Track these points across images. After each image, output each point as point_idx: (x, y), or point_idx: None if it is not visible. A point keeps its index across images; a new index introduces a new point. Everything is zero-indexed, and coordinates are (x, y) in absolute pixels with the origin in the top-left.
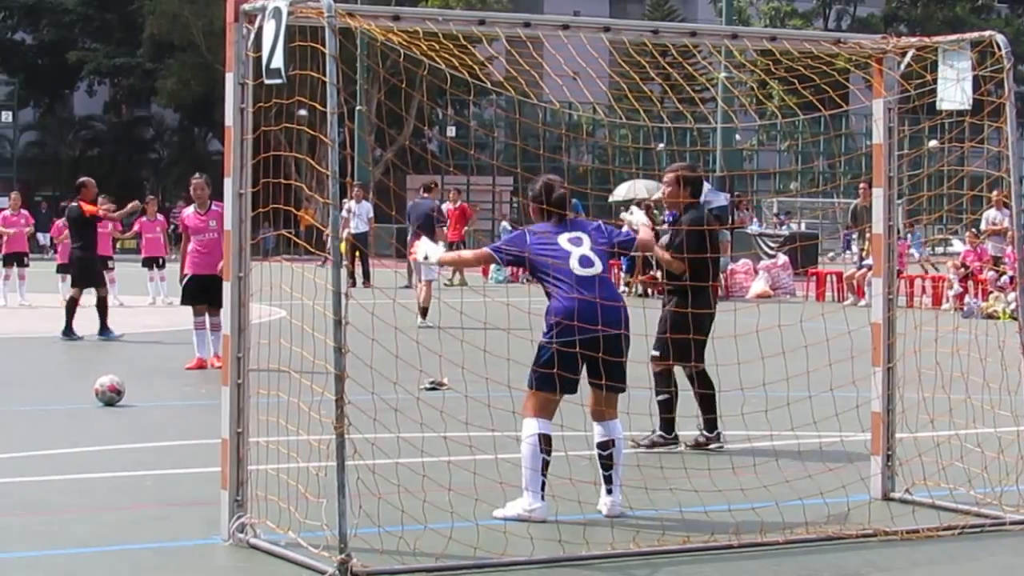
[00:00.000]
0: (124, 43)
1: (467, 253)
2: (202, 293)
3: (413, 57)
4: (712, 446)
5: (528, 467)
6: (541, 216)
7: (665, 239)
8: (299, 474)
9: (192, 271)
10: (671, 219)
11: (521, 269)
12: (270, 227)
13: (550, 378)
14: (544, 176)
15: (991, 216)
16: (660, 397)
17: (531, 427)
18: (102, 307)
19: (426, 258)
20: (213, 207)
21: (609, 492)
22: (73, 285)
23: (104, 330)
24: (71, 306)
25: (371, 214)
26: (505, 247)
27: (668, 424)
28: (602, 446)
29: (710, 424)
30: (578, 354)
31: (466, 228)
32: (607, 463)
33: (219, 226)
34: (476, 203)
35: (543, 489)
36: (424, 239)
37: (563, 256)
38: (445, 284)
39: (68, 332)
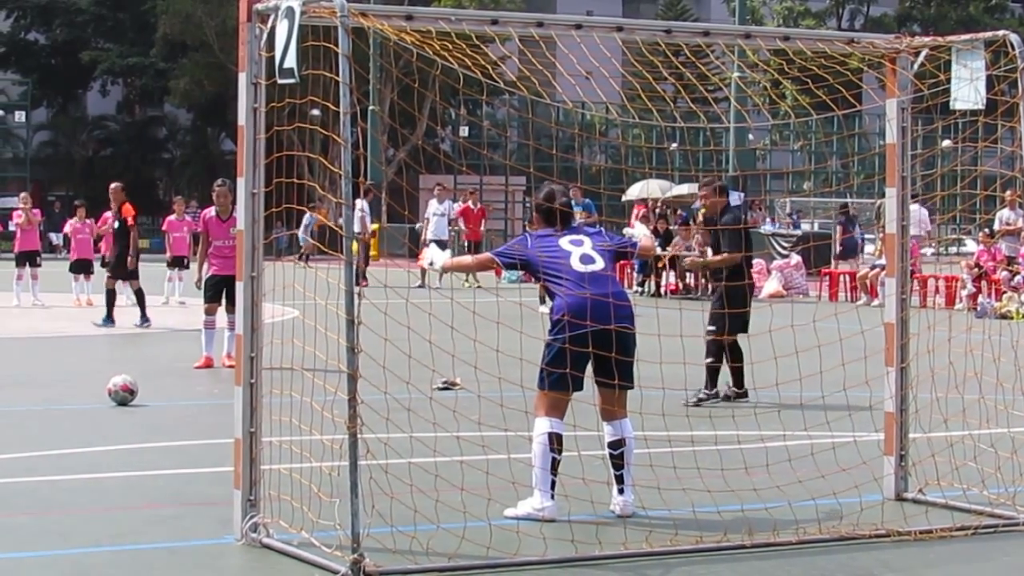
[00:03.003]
0: (137, 43)
1: (468, 259)
2: (221, 291)
3: (426, 57)
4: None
5: (538, 466)
6: (544, 224)
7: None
8: (312, 474)
9: (213, 272)
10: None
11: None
12: (283, 227)
13: (559, 377)
14: (547, 185)
15: (1004, 216)
16: (711, 361)
17: (542, 426)
18: (140, 297)
19: (431, 264)
20: (234, 214)
21: (621, 492)
22: (126, 279)
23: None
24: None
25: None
26: (507, 251)
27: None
28: (613, 445)
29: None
30: (583, 350)
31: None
32: (618, 463)
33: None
34: (489, 203)
35: (553, 488)
36: (433, 245)
37: (564, 256)
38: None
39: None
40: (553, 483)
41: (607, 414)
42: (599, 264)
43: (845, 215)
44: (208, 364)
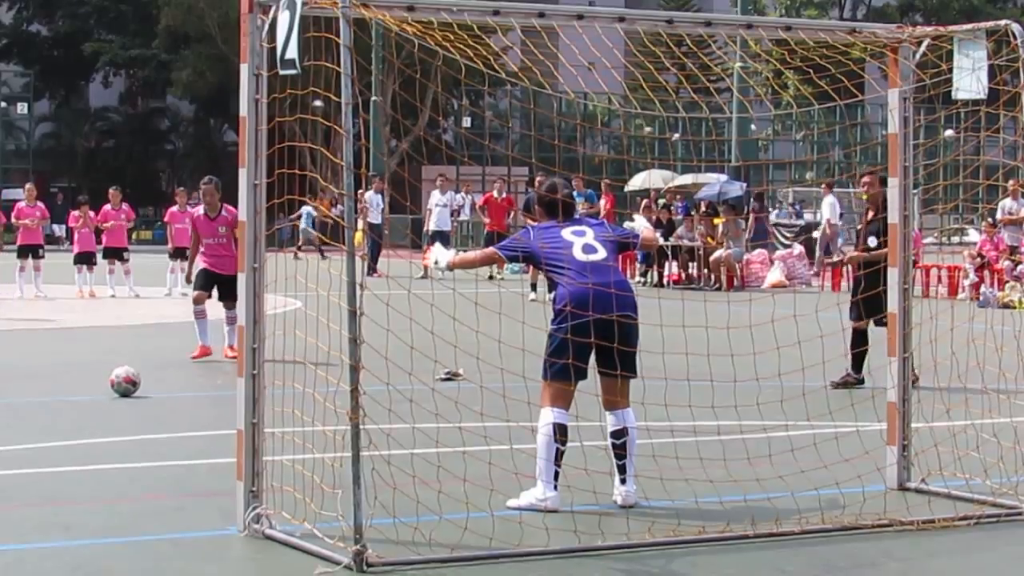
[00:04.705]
0: (139, 34)
1: (473, 254)
2: (212, 284)
3: (428, 47)
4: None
5: (542, 457)
6: (547, 216)
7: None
8: (314, 465)
9: (206, 267)
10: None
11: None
12: (285, 218)
13: (562, 367)
14: (550, 178)
15: (1007, 205)
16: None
17: (546, 417)
18: None
19: (436, 263)
20: (223, 212)
21: (623, 482)
22: None
23: None
24: None
25: (381, 205)
26: (510, 244)
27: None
28: (615, 435)
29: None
30: (586, 340)
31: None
32: (620, 452)
33: (229, 232)
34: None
35: (556, 479)
36: (437, 244)
37: (566, 246)
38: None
39: None
40: (556, 474)
41: (609, 404)
42: (601, 254)
43: (759, 200)
44: (205, 353)
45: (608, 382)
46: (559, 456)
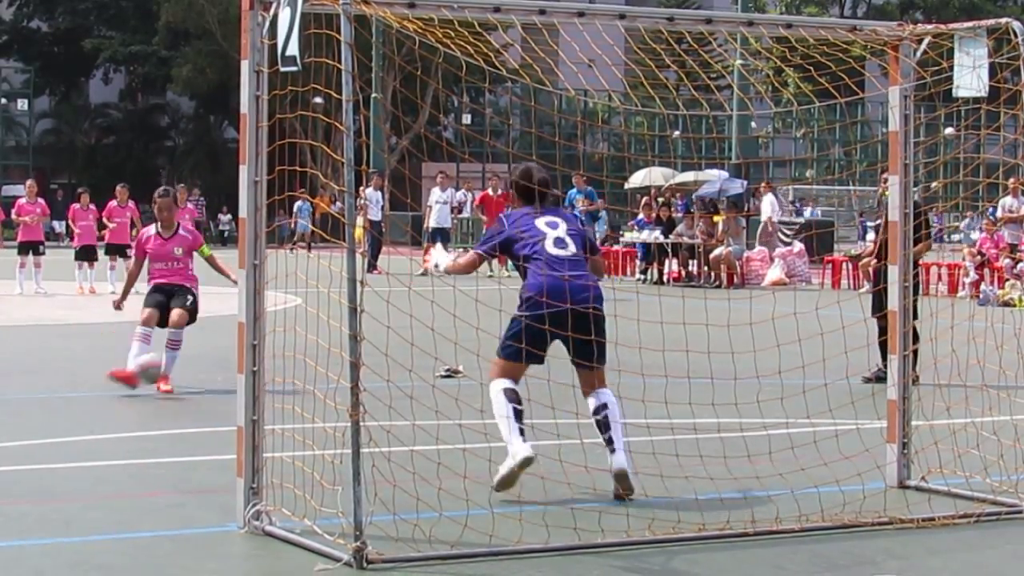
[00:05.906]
0: (139, 31)
1: (460, 261)
2: (163, 299)
3: (428, 44)
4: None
5: (501, 415)
6: (521, 202)
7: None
8: (314, 462)
9: (156, 283)
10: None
11: None
12: (285, 215)
13: (517, 350)
14: (524, 163)
15: (1007, 204)
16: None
17: (497, 385)
18: None
19: (436, 266)
20: (180, 231)
21: (613, 451)
22: None
23: None
24: None
25: (381, 202)
26: (487, 241)
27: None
28: (596, 411)
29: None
30: (547, 329)
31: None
32: (603, 424)
33: (185, 255)
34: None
35: (522, 435)
36: (439, 247)
37: (539, 237)
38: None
39: None
40: (521, 431)
41: (588, 391)
42: (571, 249)
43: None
44: (126, 379)
45: (586, 374)
46: (519, 416)
